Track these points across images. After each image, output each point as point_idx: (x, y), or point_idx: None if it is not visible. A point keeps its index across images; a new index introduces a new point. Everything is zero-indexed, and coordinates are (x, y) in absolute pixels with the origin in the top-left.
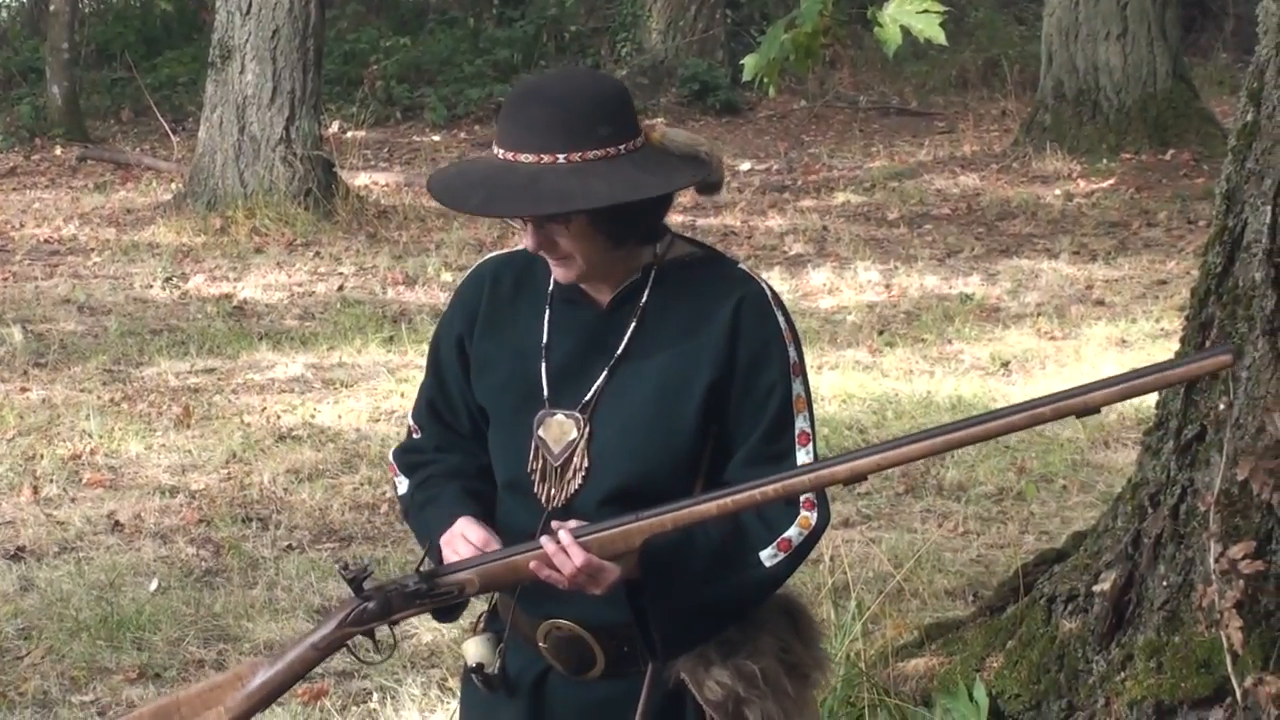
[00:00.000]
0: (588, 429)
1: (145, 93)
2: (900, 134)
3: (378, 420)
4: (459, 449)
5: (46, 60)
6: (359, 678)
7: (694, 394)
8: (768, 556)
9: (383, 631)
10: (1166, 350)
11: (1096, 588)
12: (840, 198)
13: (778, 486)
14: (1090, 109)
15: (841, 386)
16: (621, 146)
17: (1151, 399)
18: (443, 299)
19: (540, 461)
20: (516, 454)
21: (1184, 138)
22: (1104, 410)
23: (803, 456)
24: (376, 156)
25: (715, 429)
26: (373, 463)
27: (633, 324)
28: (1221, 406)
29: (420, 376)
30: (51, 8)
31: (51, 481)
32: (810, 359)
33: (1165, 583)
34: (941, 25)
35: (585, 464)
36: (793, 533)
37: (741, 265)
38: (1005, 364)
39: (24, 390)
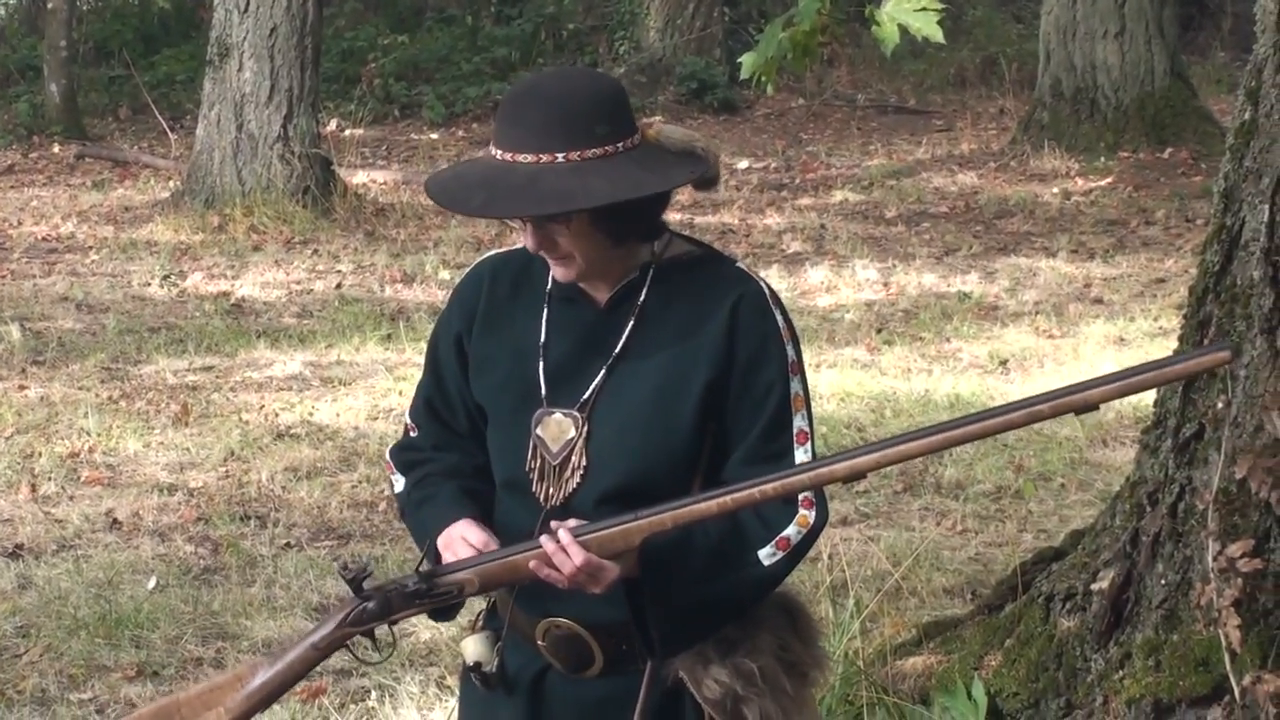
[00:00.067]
0: (586, 428)
1: (143, 90)
2: (898, 132)
3: (376, 418)
4: (456, 448)
5: (44, 58)
6: (357, 676)
7: (692, 393)
8: (766, 555)
9: (381, 631)
10: (1165, 348)
11: (1095, 586)
12: (838, 196)
13: (777, 485)
14: (1088, 107)
15: (840, 385)
16: (620, 144)
17: (1150, 397)
18: (441, 297)
19: (538, 460)
20: (515, 453)
21: (1182, 136)
22: (1102, 408)
23: (801, 455)
24: (374, 154)
25: (713, 427)
26: (371, 460)
27: (631, 323)
28: (1220, 405)
29: (418, 375)
30: (49, 5)
31: (50, 479)
32: (808, 357)
33: (1163, 581)
34: (939, 23)
35: (583, 463)
36: (791, 531)
37: (739, 264)
38: (1003, 362)
39: (22, 388)
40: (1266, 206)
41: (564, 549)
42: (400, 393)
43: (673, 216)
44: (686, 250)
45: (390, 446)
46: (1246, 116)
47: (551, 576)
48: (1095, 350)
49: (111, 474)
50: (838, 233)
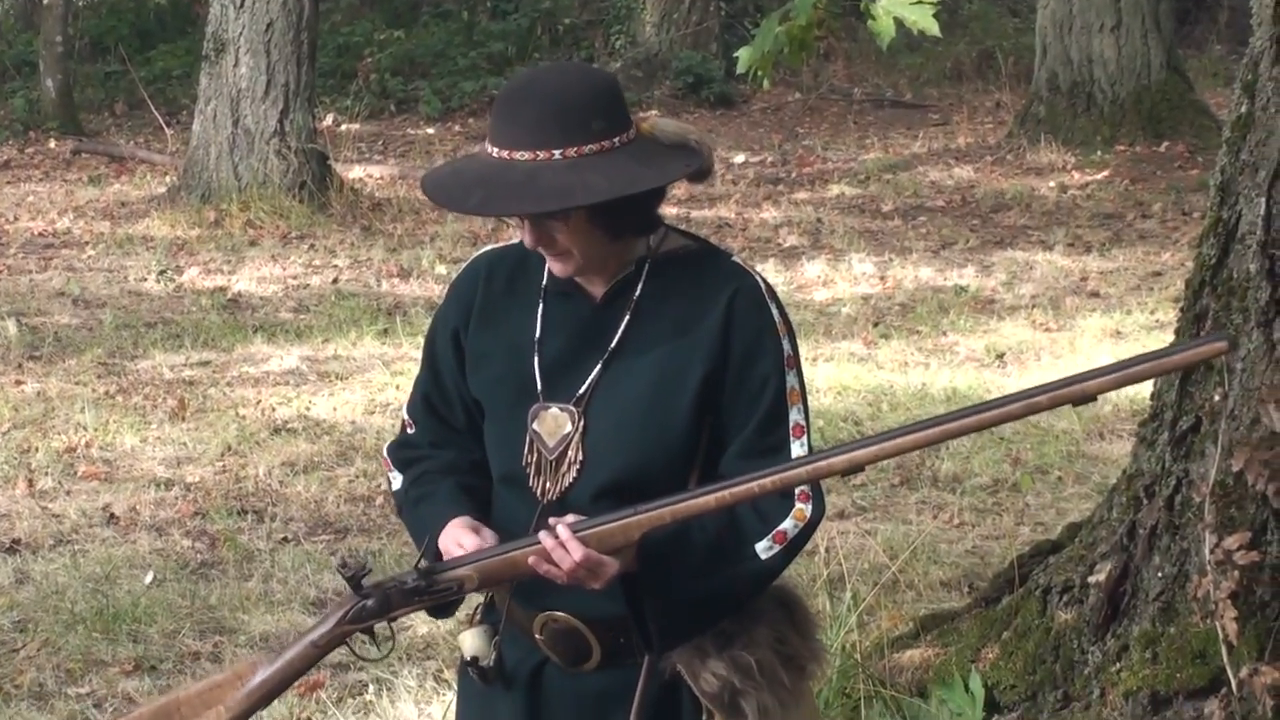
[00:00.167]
0: (582, 423)
1: (139, 86)
2: (895, 126)
3: (373, 413)
4: (454, 444)
5: (40, 53)
6: (355, 670)
7: (688, 387)
8: (763, 549)
9: (380, 627)
10: (1161, 342)
11: (1092, 579)
12: (835, 190)
13: (775, 479)
14: (1084, 101)
15: (836, 378)
16: (616, 139)
17: (1146, 390)
18: (437, 291)
19: (535, 455)
20: (511, 448)
21: (1178, 130)
22: (1099, 401)
23: (797, 449)
24: (371, 149)
25: (710, 421)
26: (368, 455)
27: (626, 318)
28: (1216, 398)
29: (415, 369)
30: (45, 1)
31: (46, 474)
32: (805, 351)
33: (1160, 574)
34: (935, 17)
35: (580, 457)
36: (788, 525)
37: (735, 258)
38: (1000, 356)
39: (19, 383)
40: (1263, 200)
41: (563, 545)
42: (397, 387)
43: (669, 210)
44: (682, 245)
45: (388, 444)
46: (1243, 110)
47: (551, 572)
48: (1092, 343)
49: (108, 469)
50: (834, 226)
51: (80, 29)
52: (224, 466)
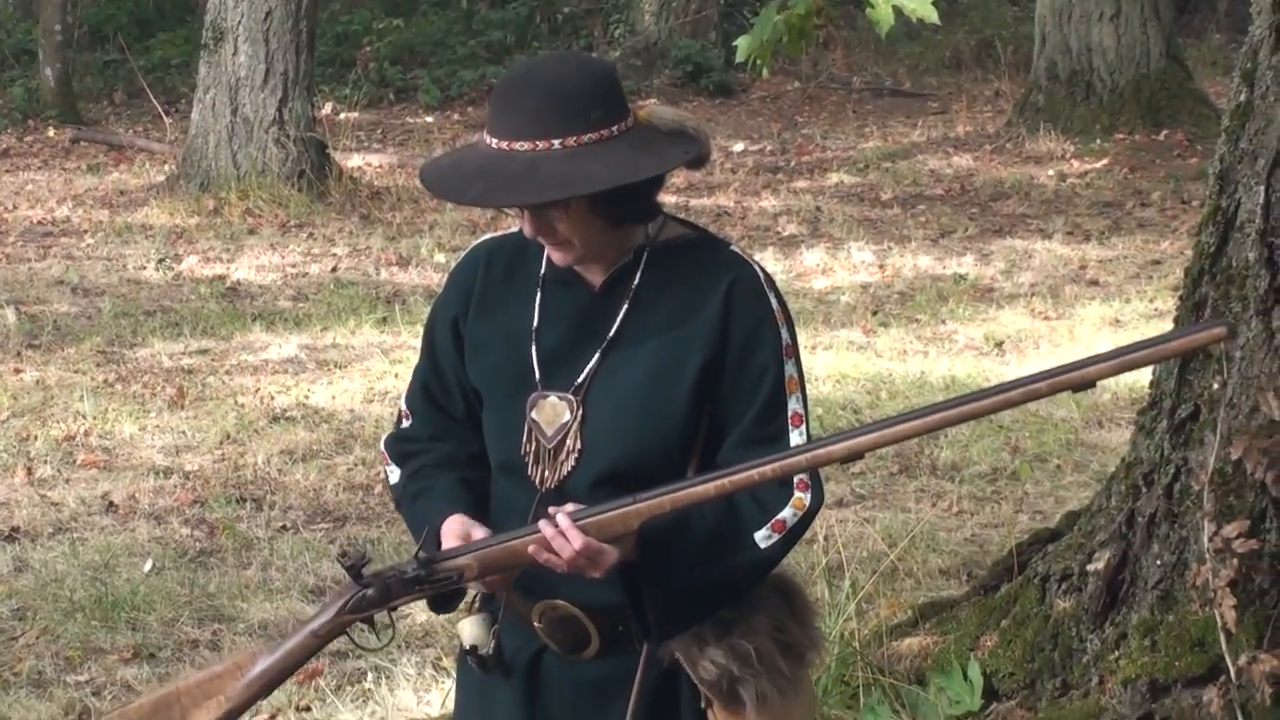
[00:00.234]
0: (580, 411)
1: (138, 74)
2: (894, 115)
3: (371, 401)
4: (452, 435)
5: (39, 42)
6: (353, 658)
7: (686, 377)
8: (762, 538)
9: (380, 616)
10: (1160, 330)
11: (1090, 567)
12: (834, 178)
13: (775, 466)
14: (1084, 90)
15: (835, 367)
16: (615, 128)
17: (1145, 378)
18: (436, 280)
19: (534, 444)
20: (510, 436)
21: (1177, 118)
22: (1098, 389)
23: (796, 438)
24: (370, 138)
25: (710, 409)
26: (367, 443)
27: (625, 307)
28: (1215, 386)
29: (414, 358)
30: None
31: (46, 463)
32: (804, 339)
33: (1159, 562)
34: (934, 5)
35: (578, 446)
36: (787, 514)
37: (734, 247)
38: (999, 344)
39: (18, 372)
40: (1262, 188)
41: (563, 533)
42: (396, 375)
43: (668, 199)
44: (680, 233)
45: (385, 436)
46: (1242, 98)
47: (551, 561)
48: (1091, 332)
49: (107, 457)
50: (833, 215)
51: (79, 17)
52: (223, 455)
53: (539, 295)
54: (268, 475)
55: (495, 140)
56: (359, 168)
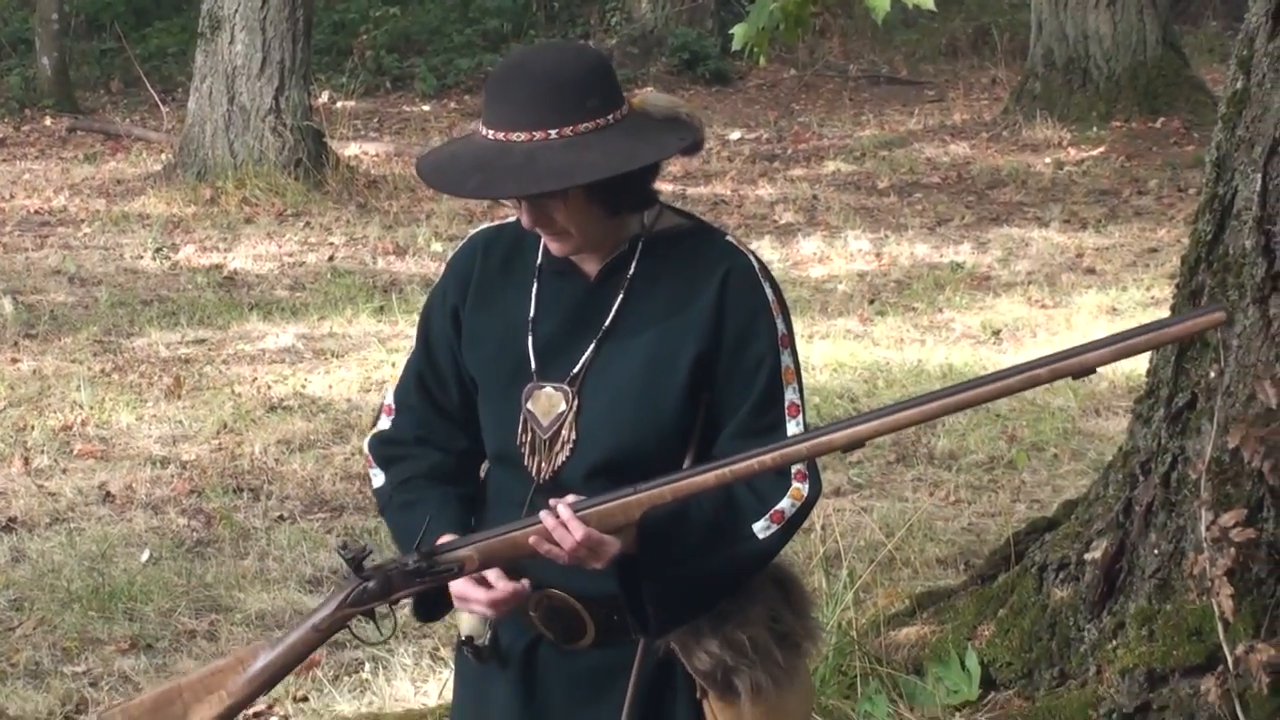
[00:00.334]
0: (576, 402)
1: (135, 63)
2: (890, 103)
3: (368, 390)
4: (440, 433)
5: (36, 31)
6: (350, 648)
7: (681, 367)
8: (760, 528)
9: (381, 609)
10: (1157, 318)
11: (1088, 556)
12: (830, 166)
13: (776, 456)
14: (1080, 77)
15: (832, 355)
16: (610, 116)
17: (1142, 367)
18: (433, 269)
19: (530, 435)
20: (506, 427)
21: (1174, 105)
22: (1095, 378)
23: (793, 428)
24: (366, 126)
25: (707, 398)
26: (364, 433)
27: (620, 297)
28: (1212, 374)
29: (411, 346)
30: None
31: (42, 452)
32: (801, 328)
33: (1156, 551)
34: None
35: (573, 436)
36: (785, 504)
37: (729, 237)
38: (996, 332)
39: (14, 361)
40: (1259, 175)
41: (564, 524)
42: (393, 365)
43: (665, 187)
44: (676, 223)
45: (369, 437)
46: (1239, 85)
47: (552, 552)
48: (1088, 320)
49: (104, 447)
50: (830, 203)
51: (76, 6)
52: (220, 444)
53: (535, 285)
54: (265, 465)
55: (491, 131)
56: (356, 156)
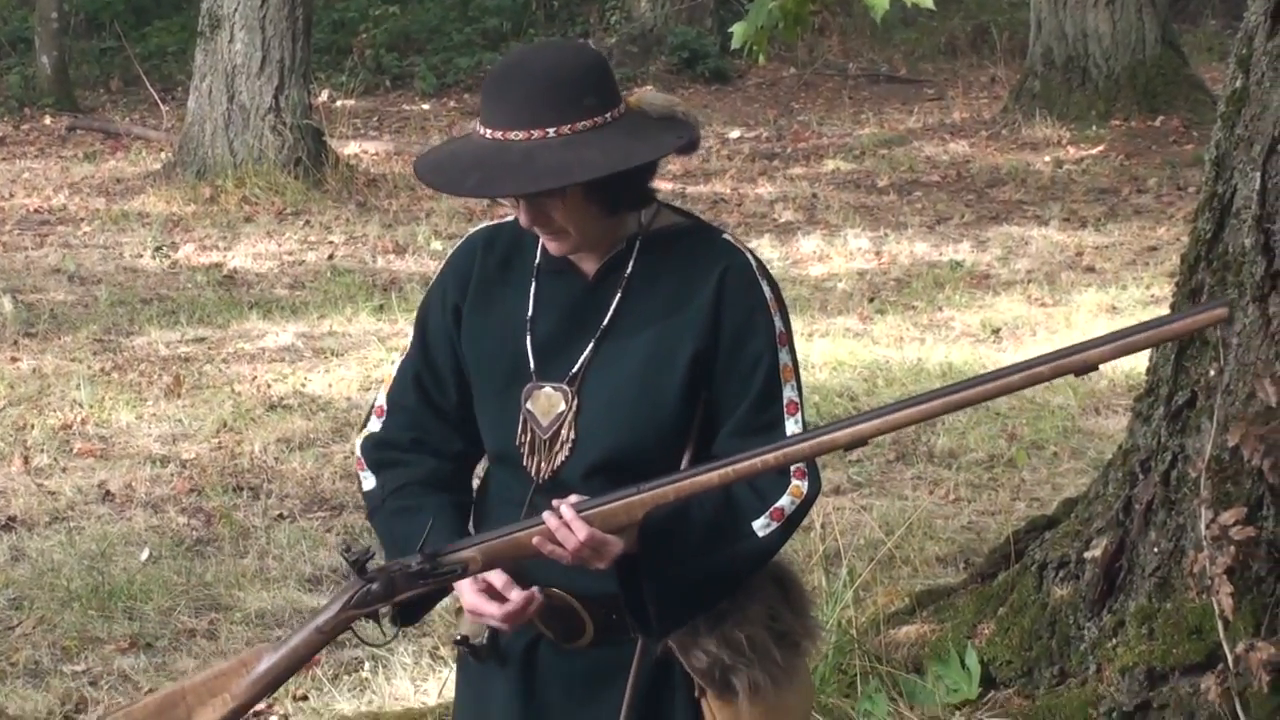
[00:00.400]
0: (575, 402)
1: (135, 62)
2: (890, 101)
3: (368, 389)
4: (434, 436)
5: (35, 30)
6: (350, 647)
7: (679, 366)
8: (760, 526)
9: (383, 610)
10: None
11: (1088, 554)
12: (830, 165)
13: (778, 454)
14: (1079, 76)
15: (832, 354)
16: (608, 115)
17: (1142, 365)
18: (433, 267)
19: (529, 434)
20: (505, 427)
21: (1173, 104)
22: (1095, 376)
23: (792, 426)
24: (366, 125)
25: (706, 397)
26: None
27: (618, 296)
28: (1212, 373)
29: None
30: None
31: (42, 451)
32: (801, 326)
33: (1156, 549)
34: None
35: (572, 436)
36: (785, 502)
37: (727, 235)
38: (996, 331)
39: (14, 360)
40: (1258, 174)
41: (567, 524)
42: (393, 363)
43: (664, 186)
44: (674, 222)
45: (360, 440)
46: (1238, 84)
47: (555, 553)
48: (1087, 318)
49: (104, 446)
50: (830, 202)
51: (75, 5)
52: (219, 443)
53: (534, 285)
54: (264, 464)
55: (489, 130)
56: (355, 155)
